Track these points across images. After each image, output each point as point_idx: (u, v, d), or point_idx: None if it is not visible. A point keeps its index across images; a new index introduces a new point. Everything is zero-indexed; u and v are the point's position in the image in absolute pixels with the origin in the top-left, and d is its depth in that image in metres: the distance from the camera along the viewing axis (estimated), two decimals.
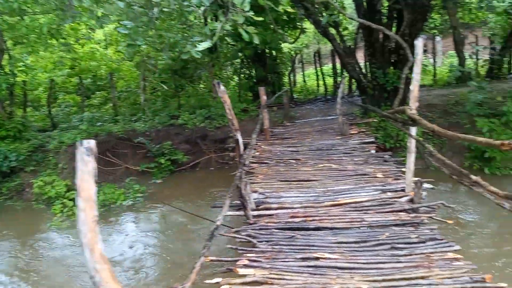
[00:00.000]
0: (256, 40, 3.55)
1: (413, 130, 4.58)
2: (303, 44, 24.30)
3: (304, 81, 17.89)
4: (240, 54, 12.26)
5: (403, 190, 4.72)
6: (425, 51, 10.24)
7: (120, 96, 13.48)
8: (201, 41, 3.79)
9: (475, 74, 9.83)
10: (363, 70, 11.13)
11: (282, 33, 11.19)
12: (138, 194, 9.72)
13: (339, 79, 14.17)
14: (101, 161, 10.83)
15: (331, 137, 8.03)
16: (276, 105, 12.56)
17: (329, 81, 16.02)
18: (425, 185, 4.72)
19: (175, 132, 11.32)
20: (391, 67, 9.95)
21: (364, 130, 8.37)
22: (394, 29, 10.05)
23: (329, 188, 5.10)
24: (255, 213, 4.60)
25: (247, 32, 3.33)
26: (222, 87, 3.80)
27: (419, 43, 4.57)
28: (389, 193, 4.69)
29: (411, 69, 9.96)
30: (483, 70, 12.57)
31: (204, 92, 13.92)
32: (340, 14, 10.00)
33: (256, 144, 7.84)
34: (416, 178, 4.85)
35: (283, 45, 15.16)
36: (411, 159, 4.60)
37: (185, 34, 4.44)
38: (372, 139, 7.63)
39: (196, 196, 9.44)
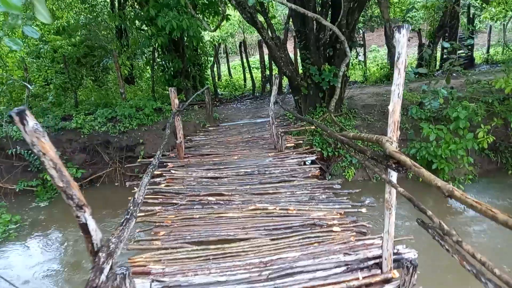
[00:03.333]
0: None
1: (394, 176, 2.79)
2: (228, 33, 21.99)
3: (230, 74, 15.64)
4: (152, 41, 9.61)
5: (377, 264, 2.91)
6: (361, 45, 8.71)
7: None
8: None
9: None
10: (295, 66, 9.32)
11: (201, 19, 8.84)
12: (11, 225, 6.92)
13: (267, 72, 12.24)
14: None
15: (263, 152, 6.00)
16: (198, 102, 10.25)
17: (257, 74, 14.05)
18: (411, 257, 2.96)
19: (66, 138, 8.44)
20: (327, 63, 8.25)
21: (301, 142, 6.52)
22: (328, 19, 8.33)
23: (266, 259, 3.09)
24: None
25: None
26: (31, 123, 1.54)
27: (402, 37, 2.57)
28: (359, 274, 2.83)
29: (348, 65, 8.49)
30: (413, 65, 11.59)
31: (110, 87, 11.06)
32: None
33: (165, 166, 5.55)
34: (398, 239, 3.10)
35: (204, 33, 12.79)
36: (391, 219, 2.78)
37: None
38: (314, 157, 5.78)
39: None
